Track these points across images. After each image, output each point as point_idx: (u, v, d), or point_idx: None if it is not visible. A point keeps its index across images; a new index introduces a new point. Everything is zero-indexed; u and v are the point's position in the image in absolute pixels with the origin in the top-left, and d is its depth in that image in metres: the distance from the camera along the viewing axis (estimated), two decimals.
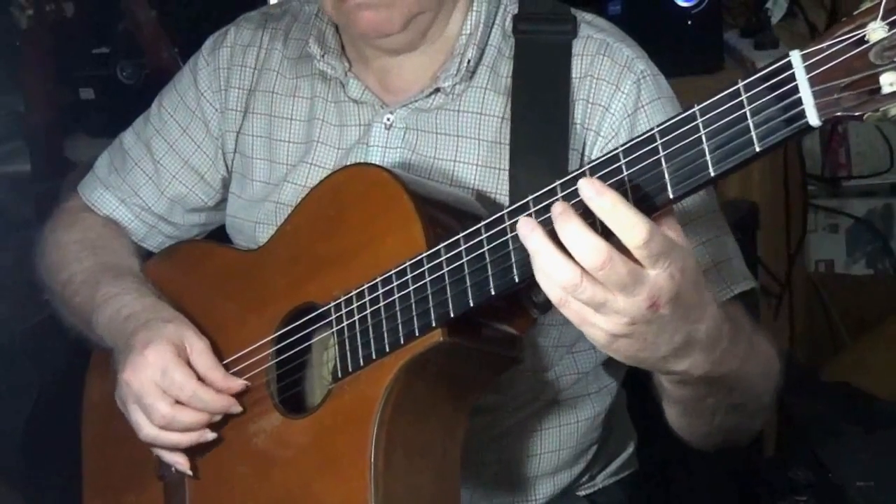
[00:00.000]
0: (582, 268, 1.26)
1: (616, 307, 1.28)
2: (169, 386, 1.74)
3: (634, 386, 2.12)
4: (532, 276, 1.43)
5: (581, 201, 1.26)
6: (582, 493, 2.04)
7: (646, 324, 1.30)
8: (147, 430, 1.77)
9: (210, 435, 1.78)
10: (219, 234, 2.12)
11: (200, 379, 1.76)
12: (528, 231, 1.30)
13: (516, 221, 1.42)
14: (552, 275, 1.28)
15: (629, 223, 1.24)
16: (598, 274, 1.26)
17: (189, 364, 1.77)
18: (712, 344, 1.41)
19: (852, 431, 2.46)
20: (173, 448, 1.80)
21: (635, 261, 1.27)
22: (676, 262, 1.28)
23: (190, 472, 1.82)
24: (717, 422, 1.60)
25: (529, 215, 1.41)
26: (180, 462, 1.82)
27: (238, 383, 1.76)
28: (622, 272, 1.26)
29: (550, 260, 1.28)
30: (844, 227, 3.74)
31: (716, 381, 1.47)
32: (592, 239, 1.25)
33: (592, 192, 1.25)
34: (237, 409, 1.77)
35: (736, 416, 1.62)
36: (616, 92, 1.77)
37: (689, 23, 3.09)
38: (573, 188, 1.35)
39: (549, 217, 1.29)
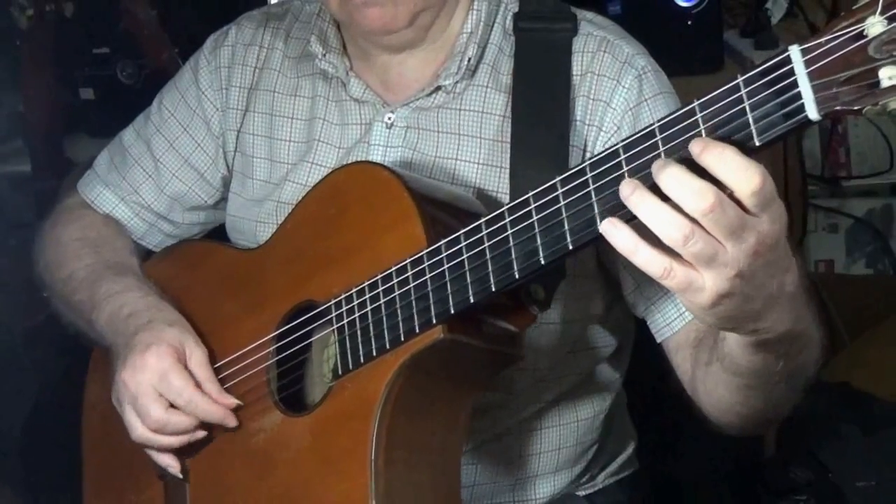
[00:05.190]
0: (691, 219, 1.22)
1: (725, 259, 1.24)
2: (166, 390, 1.75)
3: (634, 386, 2.12)
4: (532, 273, 1.43)
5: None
6: (582, 492, 2.04)
7: (750, 275, 1.26)
8: (140, 431, 1.78)
9: (200, 433, 1.79)
10: (218, 234, 2.12)
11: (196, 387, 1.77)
12: (630, 191, 1.25)
13: (516, 218, 1.43)
14: (661, 230, 1.23)
15: (743, 169, 1.20)
16: (707, 219, 1.21)
17: (187, 370, 1.77)
18: (795, 295, 1.38)
19: (852, 431, 2.46)
20: (165, 450, 1.81)
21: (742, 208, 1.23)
22: (779, 208, 1.26)
23: (181, 476, 1.83)
24: (775, 394, 1.56)
25: (529, 213, 1.41)
26: (171, 465, 1.82)
27: (232, 401, 1.77)
28: (732, 215, 1.22)
29: (657, 212, 1.23)
30: (844, 227, 3.73)
31: (794, 340, 1.44)
32: (697, 182, 1.21)
33: (699, 148, 1.21)
34: (232, 422, 1.77)
35: (789, 388, 1.57)
36: (617, 87, 1.77)
37: (689, 23, 3.09)
38: (573, 184, 1.36)
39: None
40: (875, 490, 2.31)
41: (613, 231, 1.27)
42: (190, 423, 1.77)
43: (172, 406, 1.76)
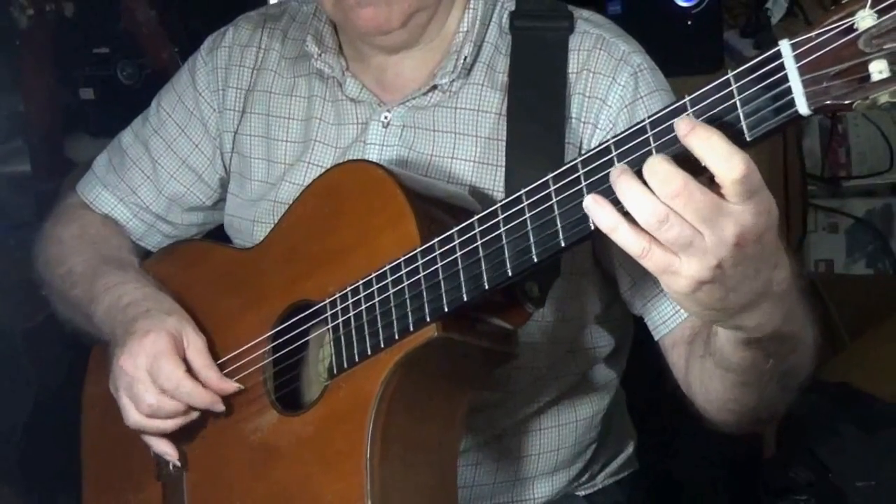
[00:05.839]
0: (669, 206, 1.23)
1: (703, 246, 1.24)
2: (156, 374, 1.75)
3: (634, 386, 2.12)
4: (525, 271, 1.43)
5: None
6: (581, 492, 2.04)
7: (731, 266, 1.26)
8: (134, 416, 1.78)
9: (194, 413, 1.79)
10: (217, 234, 2.12)
11: (194, 375, 1.77)
12: (617, 174, 1.26)
13: (509, 216, 1.43)
14: (638, 213, 1.24)
15: (727, 155, 1.20)
16: (675, 203, 1.22)
17: (185, 359, 1.78)
18: (785, 294, 1.37)
19: (852, 431, 2.45)
20: (159, 434, 1.81)
21: (720, 196, 1.23)
22: (765, 201, 1.25)
23: (179, 464, 1.83)
24: (767, 393, 1.55)
25: (522, 210, 1.41)
26: (169, 453, 1.82)
27: (232, 386, 1.77)
28: (700, 200, 1.22)
29: (636, 196, 1.24)
30: (844, 227, 3.72)
31: (784, 340, 1.44)
32: (666, 167, 1.22)
33: (686, 127, 1.21)
34: (220, 407, 1.77)
35: (782, 388, 1.57)
36: (613, 84, 1.77)
37: (689, 23, 3.09)
38: (565, 181, 1.35)
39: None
40: (875, 490, 2.31)
41: (596, 207, 1.28)
42: (180, 409, 1.77)
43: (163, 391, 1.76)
